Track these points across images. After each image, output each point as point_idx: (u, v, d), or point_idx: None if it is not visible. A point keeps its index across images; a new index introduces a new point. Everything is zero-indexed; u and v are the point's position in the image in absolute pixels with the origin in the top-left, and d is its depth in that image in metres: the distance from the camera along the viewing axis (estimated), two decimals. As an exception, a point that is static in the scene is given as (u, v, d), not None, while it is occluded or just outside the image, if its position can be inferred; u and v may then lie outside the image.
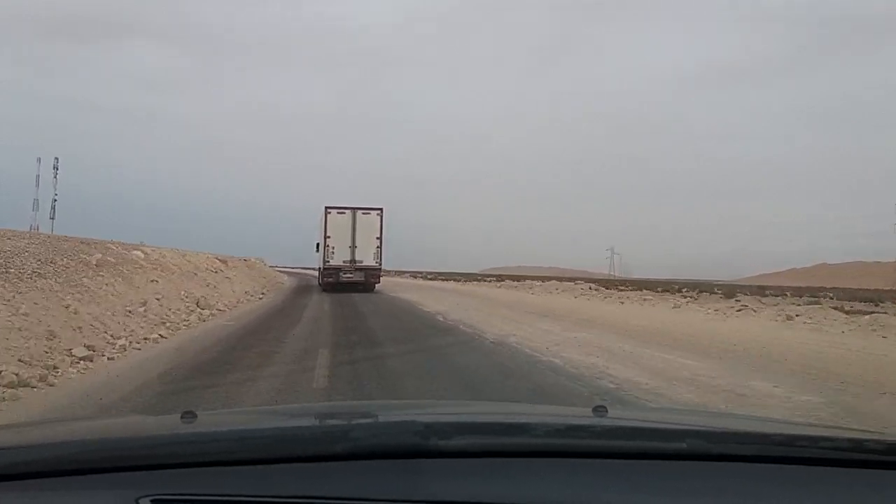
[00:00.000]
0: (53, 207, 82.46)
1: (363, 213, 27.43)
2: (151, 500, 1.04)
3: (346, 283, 26.38)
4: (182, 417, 1.43)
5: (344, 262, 26.80)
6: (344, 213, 27.41)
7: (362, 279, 26.81)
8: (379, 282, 28.03)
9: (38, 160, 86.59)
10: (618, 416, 1.68)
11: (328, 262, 26.92)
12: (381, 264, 27.41)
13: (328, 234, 27.09)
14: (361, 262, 26.88)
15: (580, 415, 1.98)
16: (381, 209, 27.60)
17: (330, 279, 26.67)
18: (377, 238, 27.19)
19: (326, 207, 27.46)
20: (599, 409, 1.53)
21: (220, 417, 2.09)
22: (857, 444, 1.29)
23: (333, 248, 26.88)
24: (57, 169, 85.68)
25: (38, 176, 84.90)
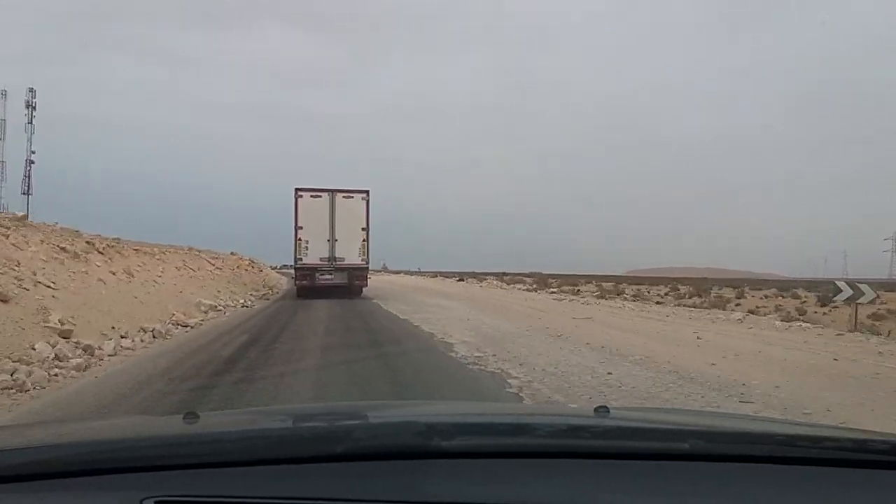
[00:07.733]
0: (28, 176, 50.62)
1: (344, 197, 22.34)
2: (155, 502, 1.04)
3: (325, 288, 21.66)
4: (184, 418, 1.44)
5: (321, 259, 21.89)
6: (319, 196, 22.20)
7: (345, 281, 22.01)
8: (366, 284, 23.20)
9: (3, 94, 49.89)
10: (620, 417, 1.67)
11: (301, 259, 21.93)
12: (368, 262, 22.69)
13: (300, 225, 21.91)
14: (343, 259, 22.02)
15: (582, 415, 1.98)
16: (366, 191, 22.55)
17: (304, 282, 21.96)
18: (363, 229, 22.18)
19: (297, 189, 22.27)
20: (601, 410, 1.53)
21: (222, 418, 2.09)
22: (860, 445, 1.29)
23: (307, 242, 21.85)
24: (33, 108, 48.61)
25: (3, 121, 49.71)
